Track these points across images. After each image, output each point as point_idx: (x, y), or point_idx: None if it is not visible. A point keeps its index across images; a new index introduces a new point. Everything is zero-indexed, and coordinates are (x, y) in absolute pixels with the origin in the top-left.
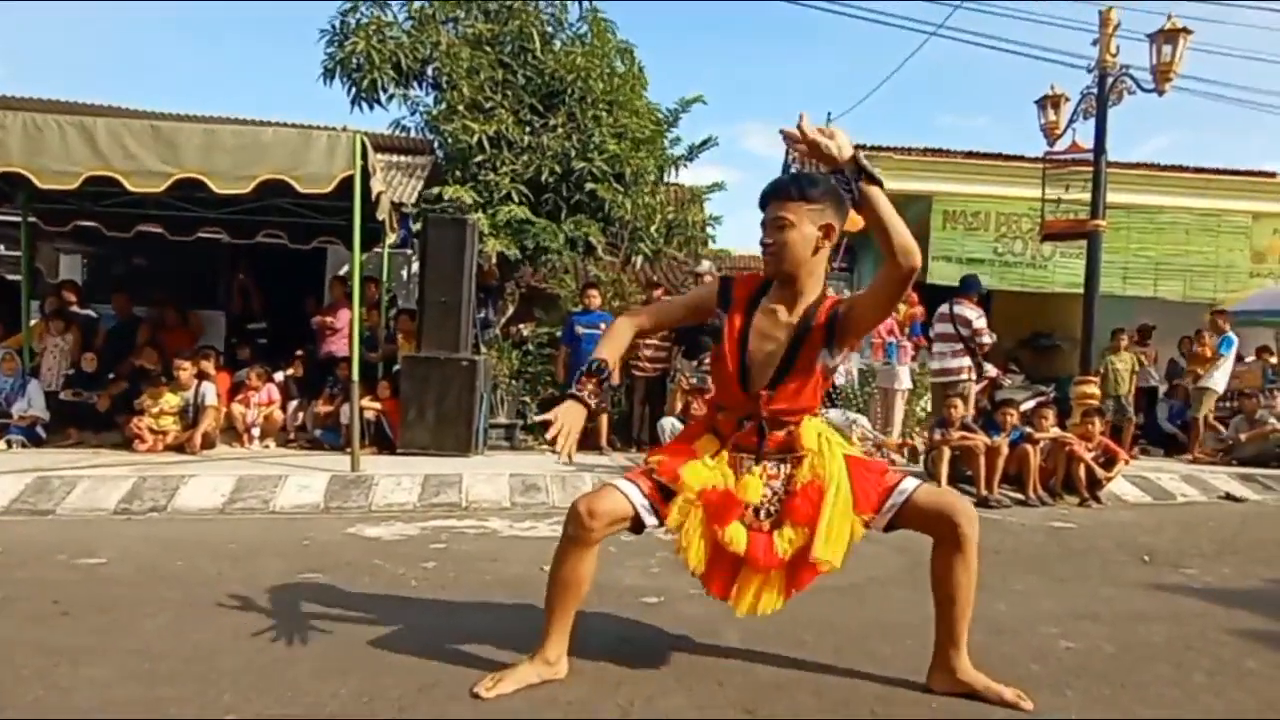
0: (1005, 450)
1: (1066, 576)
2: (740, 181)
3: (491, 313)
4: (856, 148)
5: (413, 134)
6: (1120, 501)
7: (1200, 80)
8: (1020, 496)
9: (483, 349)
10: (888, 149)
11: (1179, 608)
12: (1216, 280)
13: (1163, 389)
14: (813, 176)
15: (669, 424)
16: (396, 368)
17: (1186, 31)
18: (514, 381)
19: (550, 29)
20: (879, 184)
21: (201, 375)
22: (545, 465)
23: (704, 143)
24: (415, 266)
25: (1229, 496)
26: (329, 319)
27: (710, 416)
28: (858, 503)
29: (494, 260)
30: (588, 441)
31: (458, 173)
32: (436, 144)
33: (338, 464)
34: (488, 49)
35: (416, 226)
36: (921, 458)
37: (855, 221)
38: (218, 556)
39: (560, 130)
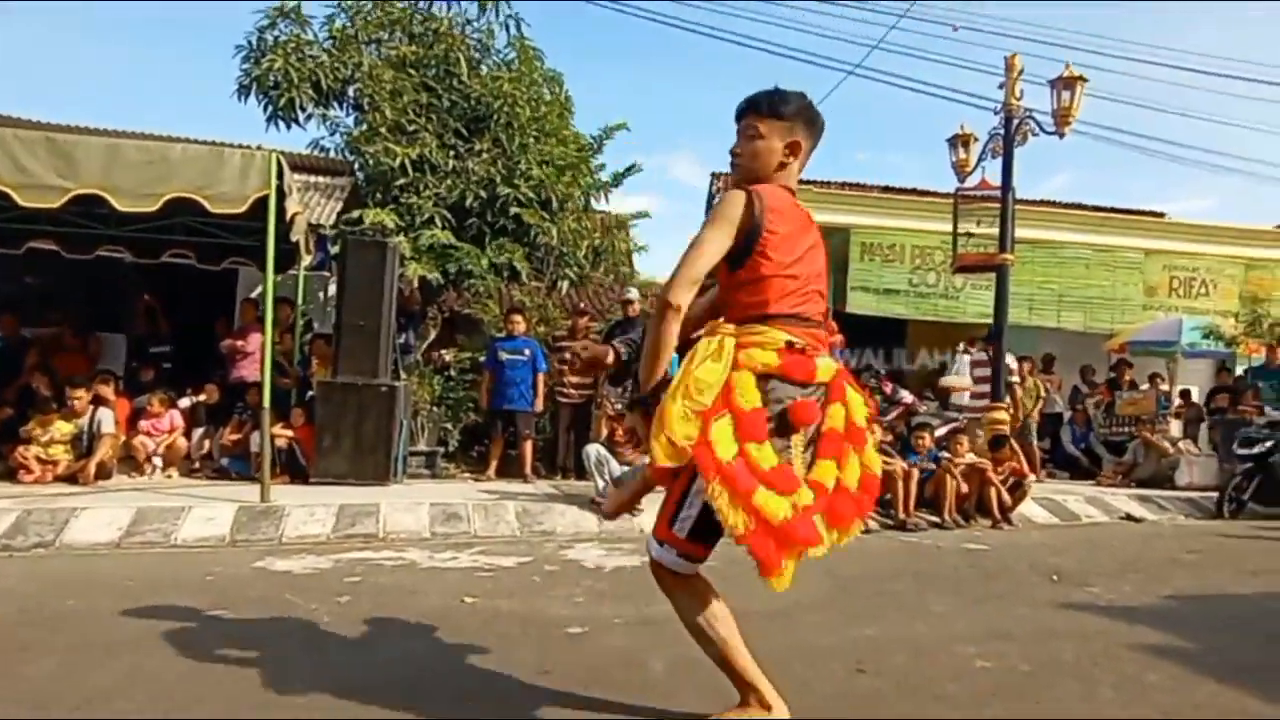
0: (919, 474)
1: (982, 597)
2: (667, 209)
3: (412, 337)
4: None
5: (332, 155)
6: (1030, 523)
7: (1096, 125)
8: (936, 519)
9: (403, 374)
10: (808, 182)
11: (1086, 625)
12: (1113, 312)
13: (1066, 415)
14: (785, 94)
15: (594, 451)
16: (311, 394)
17: (1083, 79)
18: (435, 408)
19: (477, 54)
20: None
21: (98, 401)
22: (467, 493)
23: (629, 169)
24: (333, 289)
25: (1129, 517)
26: (239, 342)
27: None
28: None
29: (415, 284)
30: (512, 469)
31: (379, 195)
32: (357, 166)
33: (246, 494)
34: (412, 72)
35: (335, 249)
36: None
37: None
38: (113, 594)
39: (485, 155)
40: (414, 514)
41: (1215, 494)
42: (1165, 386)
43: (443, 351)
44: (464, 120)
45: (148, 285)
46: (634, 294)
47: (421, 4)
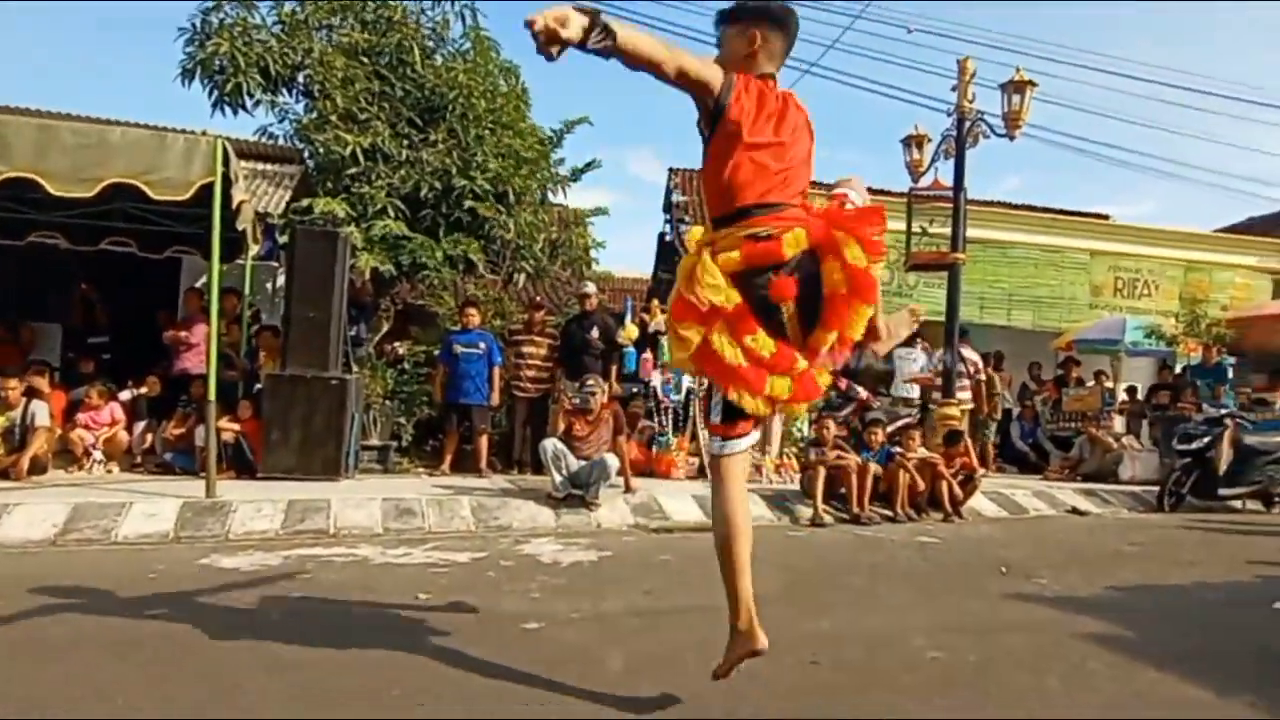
0: (875, 469)
1: (934, 589)
2: (623, 204)
3: (364, 330)
4: (591, 19)
5: (281, 142)
6: (980, 516)
7: (1045, 129)
8: (889, 513)
9: (354, 367)
10: None
11: (1034, 616)
12: (1061, 311)
13: (1015, 410)
14: (740, 5)
15: (551, 445)
16: (258, 386)
17: (1032, 84)
18: (388, 402)
19: (431, 43)
20: (613, 37)
21: (31, 393)
22: (421, 489)
23: (589, 165)
24: (282, 280)
25: (1074, 510)
26: (183, 333)
27: None
28: None
29: (367, 276)
30: (467, 464)
31: (329, 184)
32: (307, 154)
33: (191, 489)
34: (364, 59)
35: (284, 238)
36: (798, 477)
37: None
38: (48, 593)
39: (441, 146)
40: (366, 509)
41: (1156, 488)
42: (1110, 384)
43: (396, 344)
44: (418, 110)
45: (85, 273)
46: (591, 288)
47: None
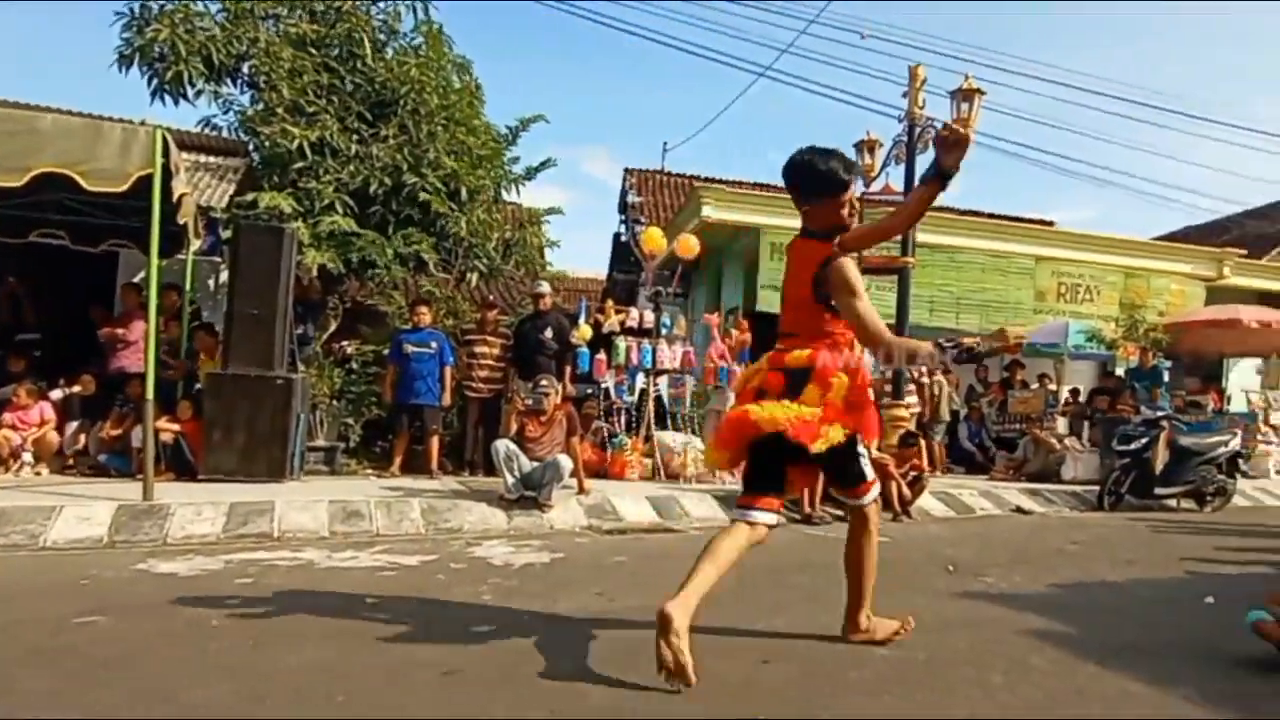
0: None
1: (883, 588)
2: (578, 203)
3: (311, 328)
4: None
5: (225, 134)
6: (928, 516)
7: (993, 136)
8: (840, 513)
9: (300, 366)
10: (720, 181)
11: (979, 614)
12: (1007, 315)
13: (963, 412)
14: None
15: (503, 447)
16: (199, 386)
17: (980, 92)
18: (335, 402)
19: (382, 36)
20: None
21: None
22: (369, 491)
23: (543, 164)
24: (225, 276)
25: (1019, 510)
26: (120, 330)
27: None
28: None
29: (315, 273)
30: (417, 465)
31: (275, 179)
32: (252, 147)
33: (127, 492)
34: (312, 51)
35: (227, 233)
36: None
37: (690, 249)
38: None
39: (391, 141)
40: (311, 512)
41: (1096, 488)
42: (1053, 386)
43: (344, 343)
44: (368, 104)
45: (13, 268)
46: (545, 288)
47: None
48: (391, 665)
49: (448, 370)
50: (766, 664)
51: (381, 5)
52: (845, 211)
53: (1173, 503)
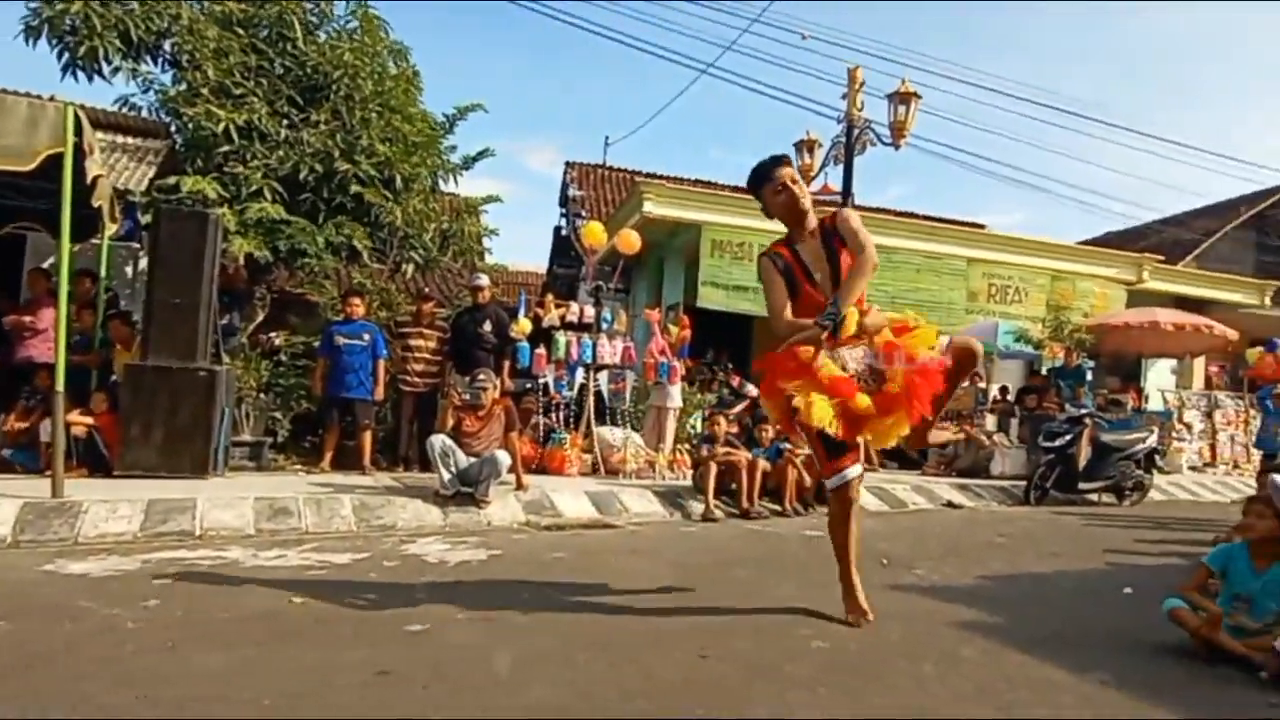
0: (765, 465)
1: (819, 581)
2: (519, 196)
3: (237, 319)
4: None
5: (145, 114)
6: (863, 510)
7: (930, 140)
8: (778, 508)
9: (225, 358)
10: (662, 177)
11: (912, 606)
12: (940, 315)
13: None
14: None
15: (439, 442)
16: (114, 378)
17: (917, 96)
18: (262, 395)
19: (314, 19)
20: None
21: None
22: (298, 487)
23: (481, 153)
24: (144, 263)
25: (950, 504)
26: (28, 318)
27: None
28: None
29: (241, 261)
30: (349, 461)
31: (199, 163)
32: (174, 128)
33: (34, 489)
34: (239, 31)
35: (147, 218)
36: (690, 473)
37: (631, 244)
38: None
39: (323, 127)
40: (236, 509)
41: (1024, 482)
42: (983, 384)
43: (272, 335)
44: (299, 88)
45: None
46: (484, 280)
47: None
48: (320, 666)
49: (381, 363)
50: (705, 659)
51: None
52: (782, 196)
53: (1094, 497)
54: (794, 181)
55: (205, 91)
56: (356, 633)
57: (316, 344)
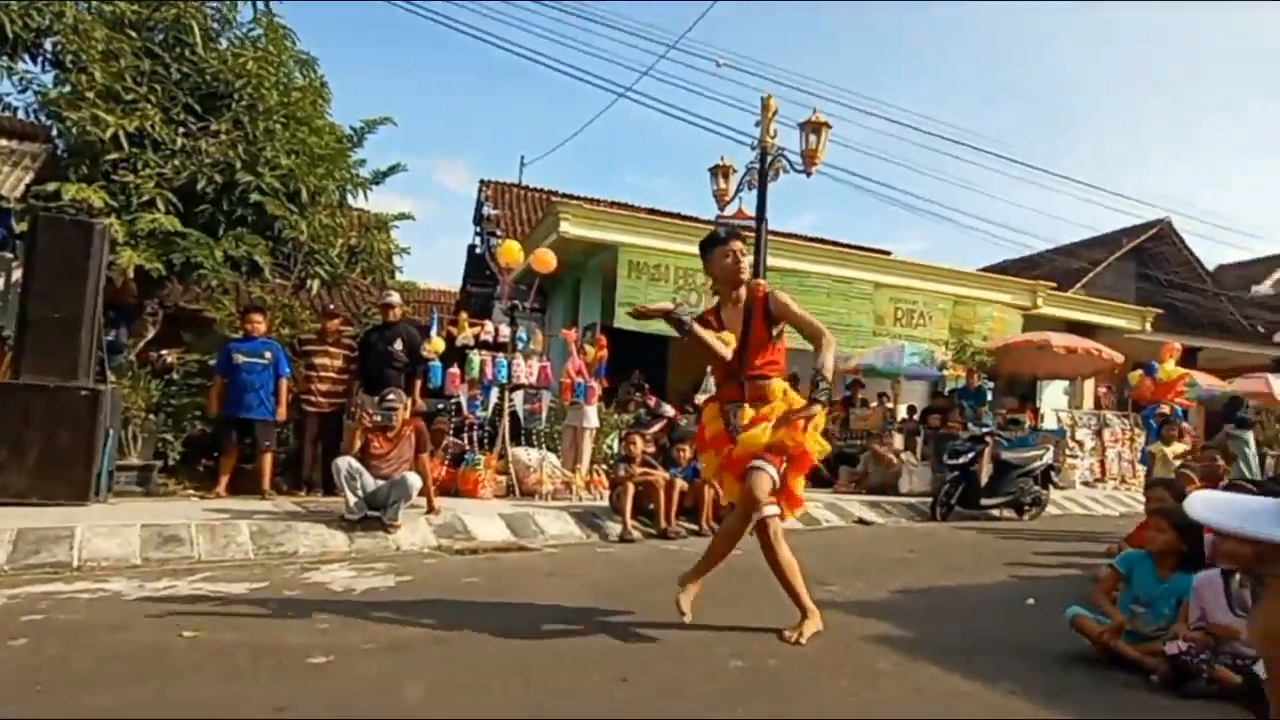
0: (682, 485)
1: (735, 599)
2: (432, 214)
3: (125, 335)
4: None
5: (21, 115)
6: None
7: (840, 169)
8: (695, 527)
9: (111, 377)
10: (579, 197)
11: (826, 621)
12: (849, 337)
13: None
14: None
15: (345, 464)
16: None
17: (827, 125)
18: (152, 416)
19: (215, 25)
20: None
21: None
22: (191, 513)
23: (392, 168)
24: (19, 274)
25: (861, 521)
26: None
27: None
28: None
29: (131, 274)
30: (247, 485)
31: (84, 169)
32: (56, 132)
33: None
34: (131, 33)
35: (22, 226)
36: (607, 493)
37: (547, 263)
38: None
39: (224, 137)
40: (120, 537)
41: (930, 499)
42: (890, 404)
43: (164, 352)
44: (197, 96)
45: None
46: (395, 297)
47: None
48: (212, 705)
49: (283, 382)
50: (625, 681)
51: None
52: (729, 260)
53: (996, 512)
54: (741, 254)
55: (91, 95)
56: (254, 667)
57: (212, 362)
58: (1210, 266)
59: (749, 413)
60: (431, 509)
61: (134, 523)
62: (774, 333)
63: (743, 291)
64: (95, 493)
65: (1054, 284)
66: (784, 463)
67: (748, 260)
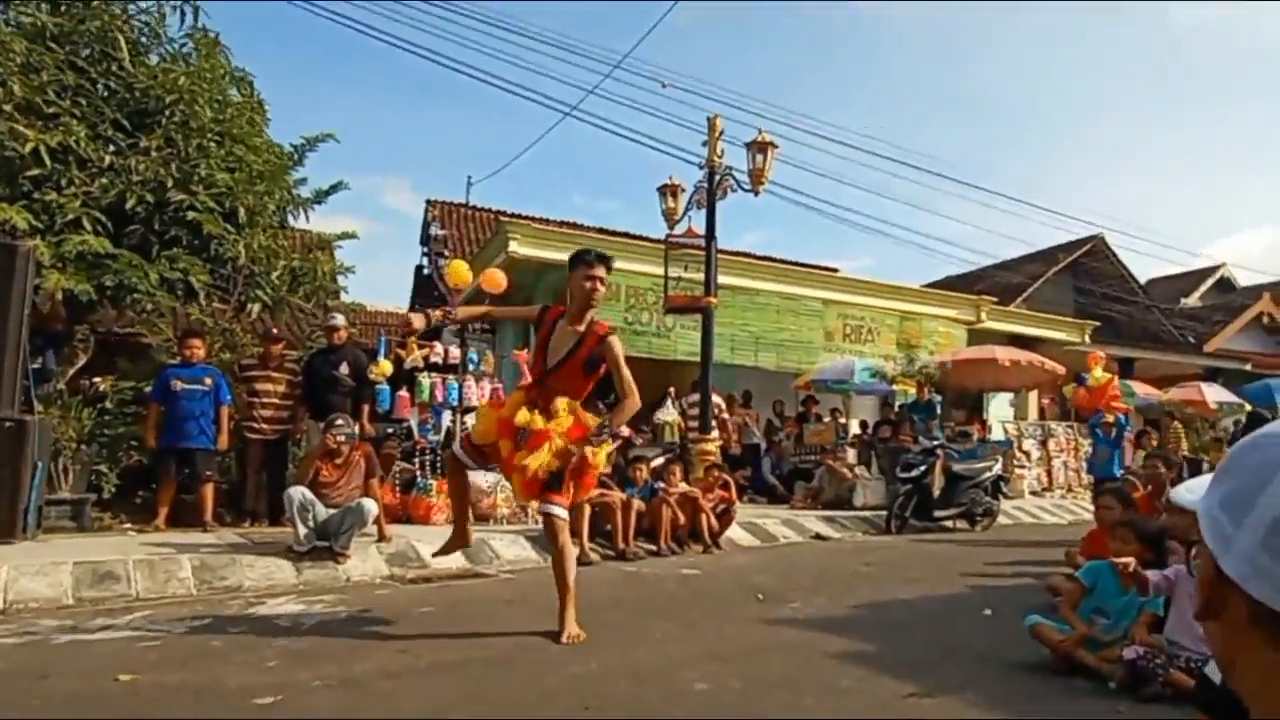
0: (639, 505)
1: (696, 619)
2: (377, 234)
3: (53, 362)
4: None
5: None
6: (737, 546)
7: (787, 187)
8: (653, 548)
9: (39, 407)
10: (528, 217)
11: (788, 639)
12: (800, 353)
13: (763, 445)
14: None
15: (299, 494)
16: None
17: (773, 145)
18: (84, 447)
19: (144, 39)
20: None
21: None
22: (127, 548)
23: (335, 186)
24: None
25: (818, 536)
26: None
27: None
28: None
29: (58, 298)
30: (188, 517)
31: (5, 189)
32: None
33: None
34: (53, 46)
35: None
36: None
37: (497, 283)
38: None
39: (155, 155)
40: (50, 576)
41: (885, 512)
42: (843, 419)
43: (96, 380)
44: (126, 112)
45: None
46: (340, 320)
47: None
48: None
49: (224, 409)
50: (588, 709)
51: (142, 5)
52: (588, 285)
53: (949, 524)
54: (601, 283)
55: (9, 108)
56: (196, 709)
57: (149, 389)
58: (1142, 280)
59: (535, 417)
60: (382, 537)
61: (65, 560)
62: (590, 370)
63: (585, 322)
64: (22, 529)
65: (996, 299)
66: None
67: (603, 291)
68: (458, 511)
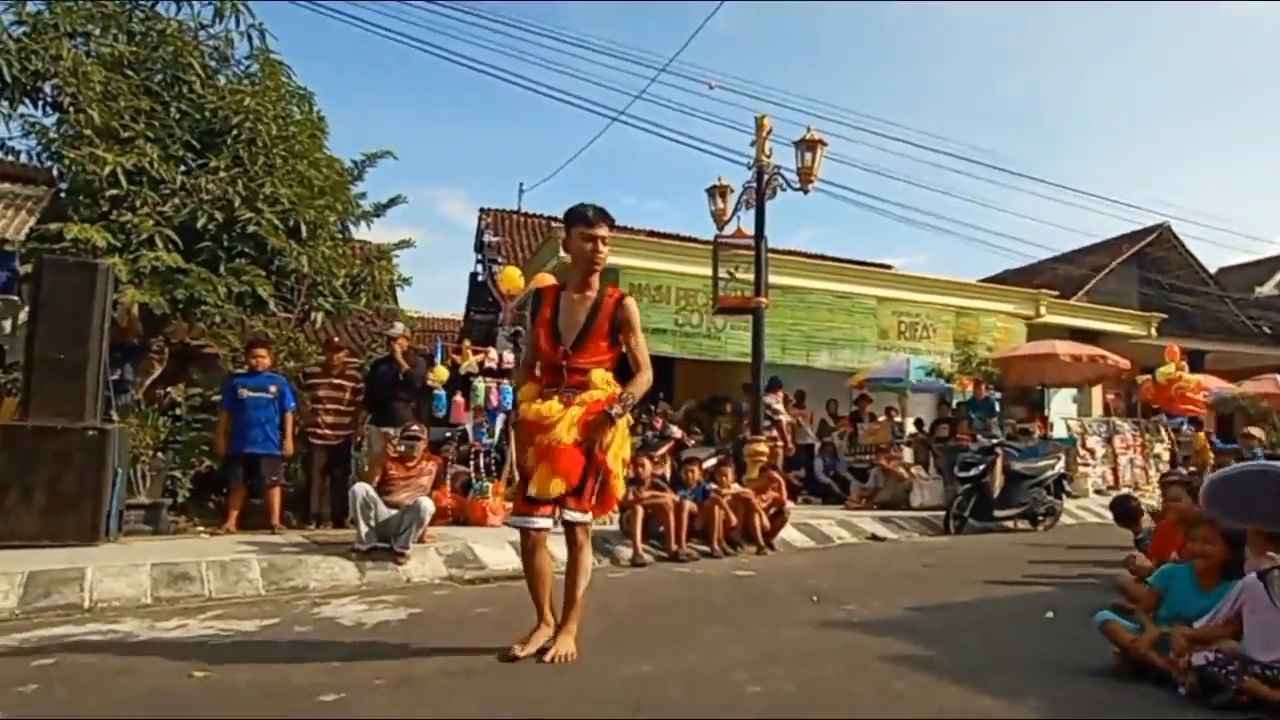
0: (692, 506)
1: (750, 622)
2: (433, 244)
3: (131, 373)
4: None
5: (25, 159)
6: (790, 547)
7: (837, 185)
8: (707, 549)
9: (117, 416)
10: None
11: (843, 642)
12: (853, 352)
13: (817, 445)
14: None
15: (363, 490)
16: None
17: (822, 143)
18: (160, 454)
19: (213, 63)
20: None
21: None
22: (201, 550)
23: (393, 200)
24: (25, 317)
25: (874, 537)
26: None
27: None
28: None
29: (135, 313)
30: (256, 520)
31: (85, 209)
32: (57, 173)
33: None
34: (130, 73)
35: (26, 268)
36: (616, 516)
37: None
38: None
39: (224, 174)
40: (131, 577)
41: (943, 512)
42: (898, 418)
43: (170, 389)
44: (196, 133)
45: None
46: (399, 329)
47: (143, 1)
48: None
49: (289, 416)
50: (640, 710)
51: (212, 30)
52: (589, 246)
53: (1010, 524)
54: (605, 243)
55: (89, 133)
56: (264, 706)
57: (218, 397)
58: (1212, 270)
59: (555, 407)
60: (422, 539)
61: (144, 562)
62: (614, 339)
63: (594, 287)
64: (105, 533)
65: (1056, 292)
66: (595, 484)
67: (606, 251)
68: (537, 599)
